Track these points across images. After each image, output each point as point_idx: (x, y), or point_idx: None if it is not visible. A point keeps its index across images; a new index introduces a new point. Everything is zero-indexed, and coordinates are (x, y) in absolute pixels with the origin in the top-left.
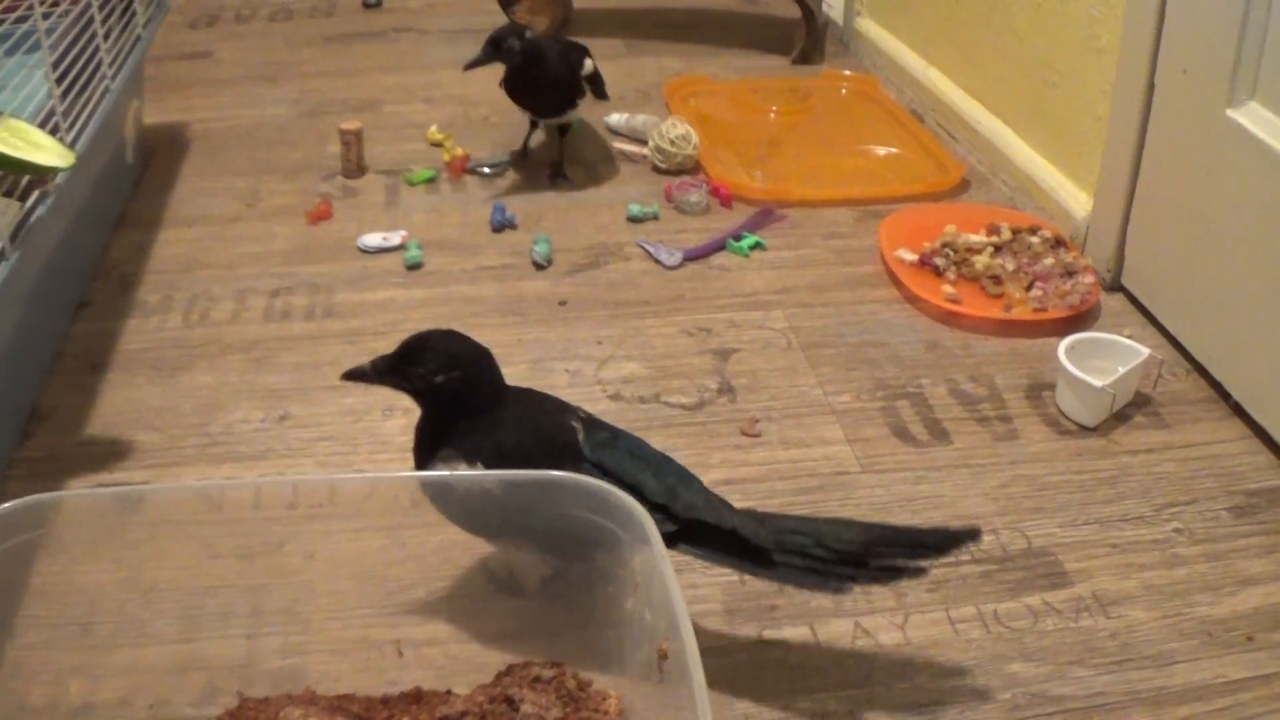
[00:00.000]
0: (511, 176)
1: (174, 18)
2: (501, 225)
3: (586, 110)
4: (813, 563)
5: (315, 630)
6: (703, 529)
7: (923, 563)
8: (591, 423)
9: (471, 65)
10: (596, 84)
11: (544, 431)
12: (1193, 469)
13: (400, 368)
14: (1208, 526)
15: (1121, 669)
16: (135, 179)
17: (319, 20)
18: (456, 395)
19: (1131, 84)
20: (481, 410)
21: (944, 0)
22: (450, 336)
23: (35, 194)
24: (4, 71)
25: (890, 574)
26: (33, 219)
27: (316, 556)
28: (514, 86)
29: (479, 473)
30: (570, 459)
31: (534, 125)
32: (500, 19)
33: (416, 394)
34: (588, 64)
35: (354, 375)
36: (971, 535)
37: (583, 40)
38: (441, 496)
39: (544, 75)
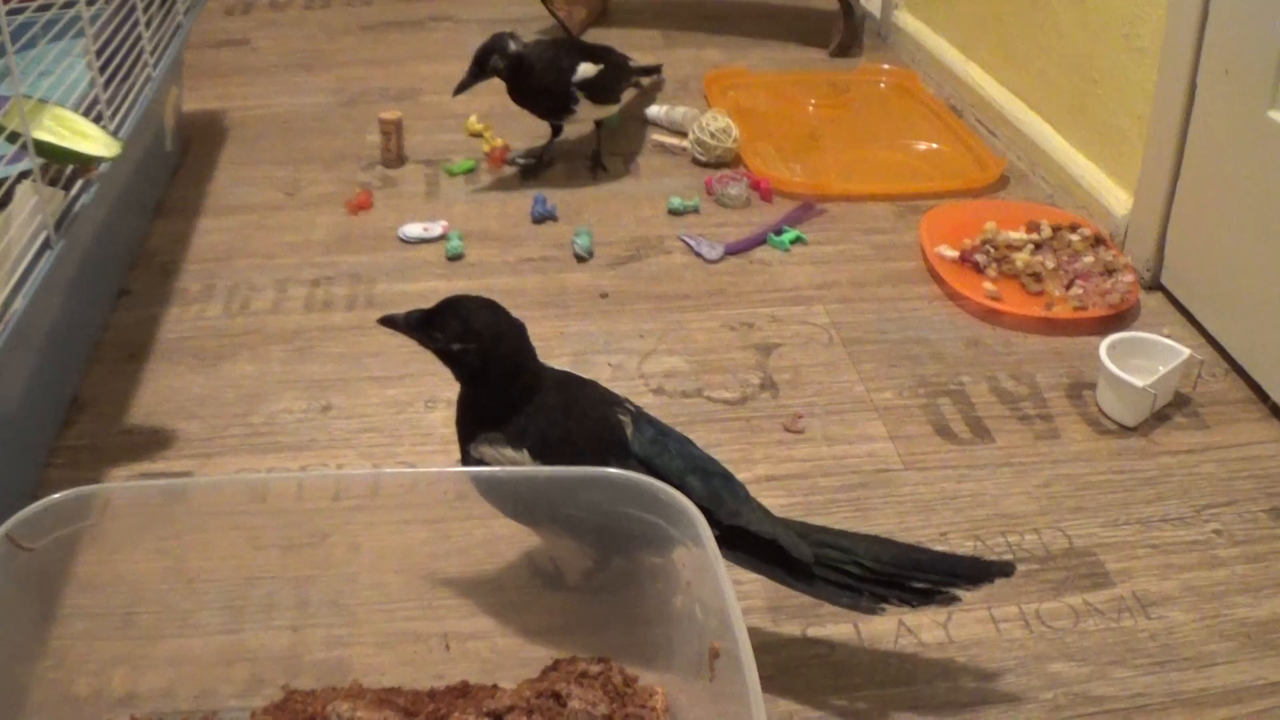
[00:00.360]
0: (552, 168)
1: (210, 4)
2: (542, 217)
3: (626, 103)
4: (848, 579)
5: (360, 623)
6: (744, 536)
7: (955, 590)
8: (640, 417)
9: (460, 89)
10: (595, 90)
11: (591, 423)
12: (1232, 470)
13: (425, 326)
14: (1247, 528)
15: (1162, 670)
16: (174, 166)
17: (356, 8)
18: (476, 368)
19: (1173, 83)
20: (516, 389)
21: None
22: (481, 308)
23: (79, 183)
24: (47, 58)
25: (923, 597)
26: (76, 207)
27: (361, 548)
28: (514, 90)
29: (530, 468)
30: (617, 453)
31: (555, 132)
32: (537, 8)
33: (444, 360)
34: (583, 69)
35: (387, 320)
36: (1005, 570)
37: (620, 31)
38: (490, 486)
39: (533, 85)
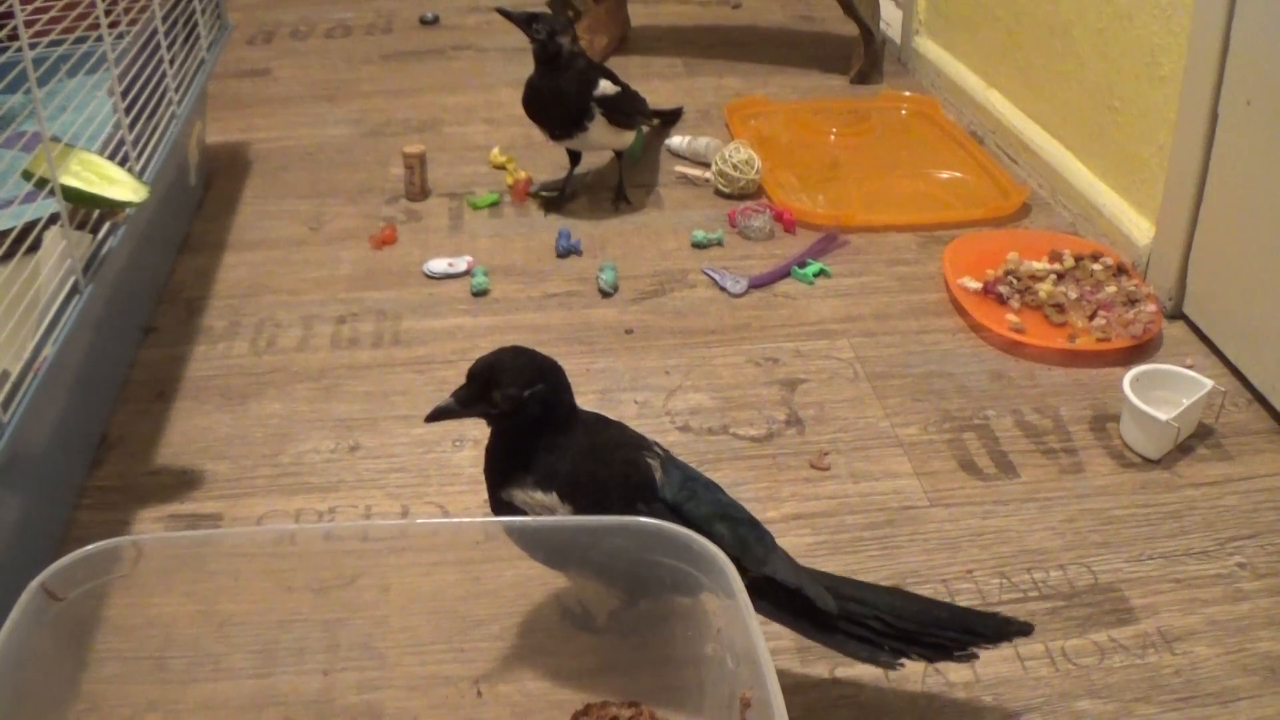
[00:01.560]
0: (575, 200)
1: (231, 34)
2: (567, 251)
3: (648, 134)
4: (869, 633)
5: (391, 666)
6: (770, 585)
7: (974, 648)
8: (669, 461)
9: (503, 11)
10: (611, 110)
11: (620, 465)
12: (1255, 502)
13: (484, 393)
14: (1270, 561)
15: (1187, 706)
16: (198, 201)
17: (377, 37)
18: (537, 414)
19: (1194, 113)
20: (557, 430)
21: (1004, 22)
22: (520, 353)
23: (106, 226)
24: (66, 93)
25: (942, 653)
26: (104, 251)
27: (391, 590)
28: (529, 98)
29: (560, 518)
30: (645, 497)
31: (574, 162)
32: None
33: (502, 416)
34: (604, 85)
35: (440, 414)
36: (1023, 629)
37: (641, 59)
38: (521, 535)
39: (556, 84)
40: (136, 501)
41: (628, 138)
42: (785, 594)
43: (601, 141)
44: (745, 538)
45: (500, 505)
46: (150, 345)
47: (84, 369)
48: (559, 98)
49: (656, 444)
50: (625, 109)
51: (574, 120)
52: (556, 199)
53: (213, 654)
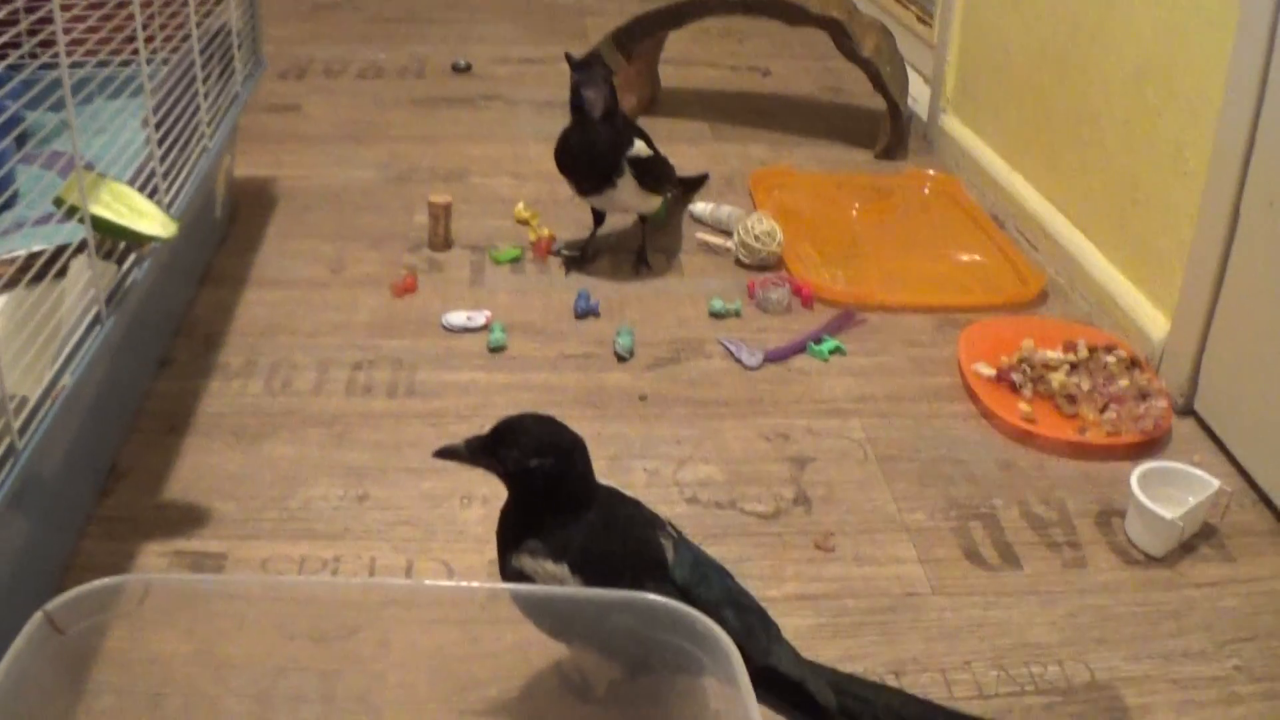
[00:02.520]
0: (596, 261)
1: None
2: (585, 312)
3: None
4: None
5: None
6: (772, 676)
7: None
8: (682, 543)
9: (571, 60)
10: (643, 171)
11: (633, 543)
12: (1255, 604)
13: (494, 449)
14: (1267, 664)
15: None
16: (222, 235)
17: (409, 81)
18: (548, 483)
19: (1217, 210)
20: (571, 503)
21: (1032, 107)
22: (545, 422)
23: (132, 257)
24: (103, 115)
25: None
26: (128, 282)
27: (391, 645)
28: (563, 149)
29: (569, 589)
30: (655, 577)
31: (597, 222)
32: None
33: (508, 477)
34: (638, 145)
35: (447, 453)
36: None
37: (668, 121)
38: (528, 604)
39: (592, 137)
40: (142, 534)
41: (654, 202)
42: (787, 686)
43: (628, 203)
44: (752, 626)
45: (510, 570)
46: (165, 377)
47: (99, 398)
48: (592, 151)
49: (670, 524)
50: (655, 173)
51: (604, 176)
52: (578, 259)
53: (209, 695)
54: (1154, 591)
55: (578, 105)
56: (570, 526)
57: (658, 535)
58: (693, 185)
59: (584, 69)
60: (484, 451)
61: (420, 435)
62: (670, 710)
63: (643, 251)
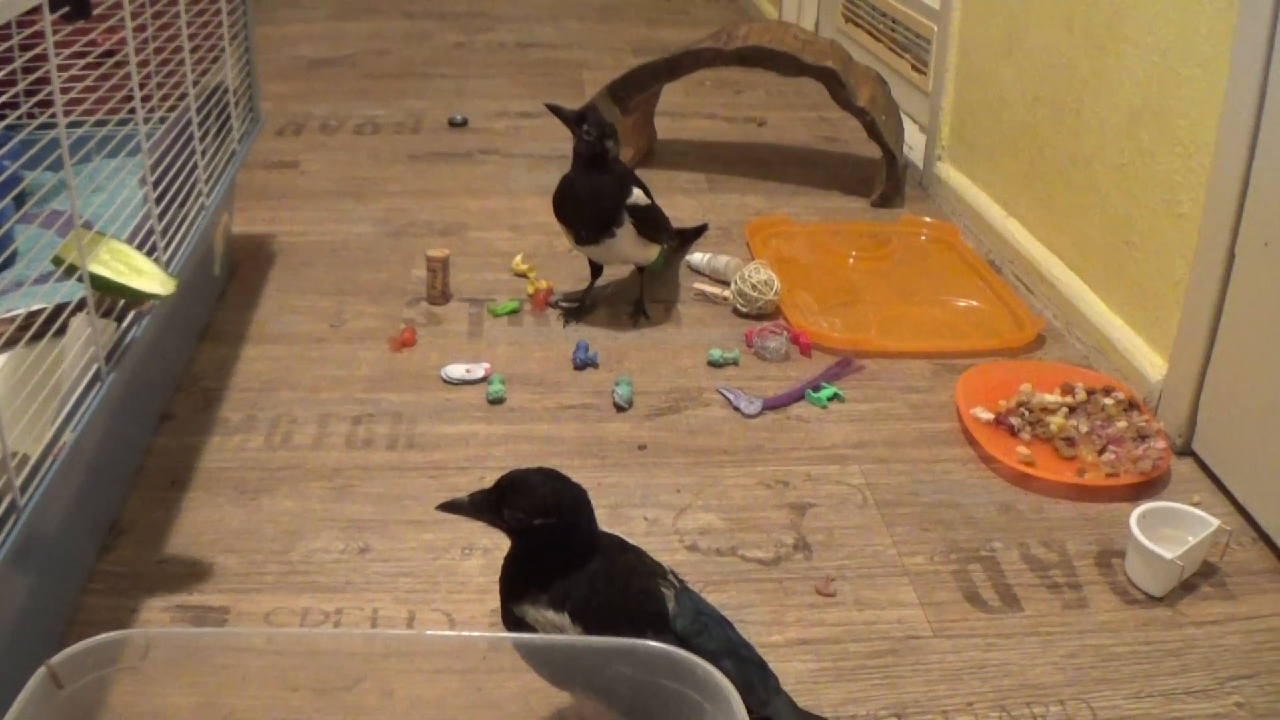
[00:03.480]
0: (594, 312)
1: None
2: (584, 363)
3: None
4: None
5: None
6: None
7: None
8: (684, 593)
9: (552, 106)
10: (642, 220)
11: (634, 593)
12: (1256, 642)
13: (498, 505)
14: (1268, 701)
15: None
16: (221, 291)
17: (405, 136)
18: (551, 540)
19: (1212, 252)
20: (574, 555)
21: (1026, 153)
22: (550, 479)
23: (131, 315)
24: (101, 174)
25: None
26: (128, 339)
27: (394, 695)
28: (562, 197)
29: (570, 637)
30: (656, 626)
31: (595, 274)
32: None
33: (511, 533)
34: (637, 194)
35: (450, 507)
36: None
37: (665, 172)
38: (529, 652)
39: (592, 185)
40: (145, 590)
41: (652, 252)
42: None
43: (627, 253)
44: (751, 678)
45: (511, 619)
46: (166, 433)
47: (100, 454)
48: (593, 200)
49: (673, 574)
50: (654, 222)
51: (604, 225)
52: (576, 310)
53: None
54: (1155, 630)
55: (589, 153)
56: (571, 576)
57: (659, 585)
58: (691, 236)
59: (583, 118)
60: (488, 507)
61: (421, 487)
62: None
63: (640, 302)
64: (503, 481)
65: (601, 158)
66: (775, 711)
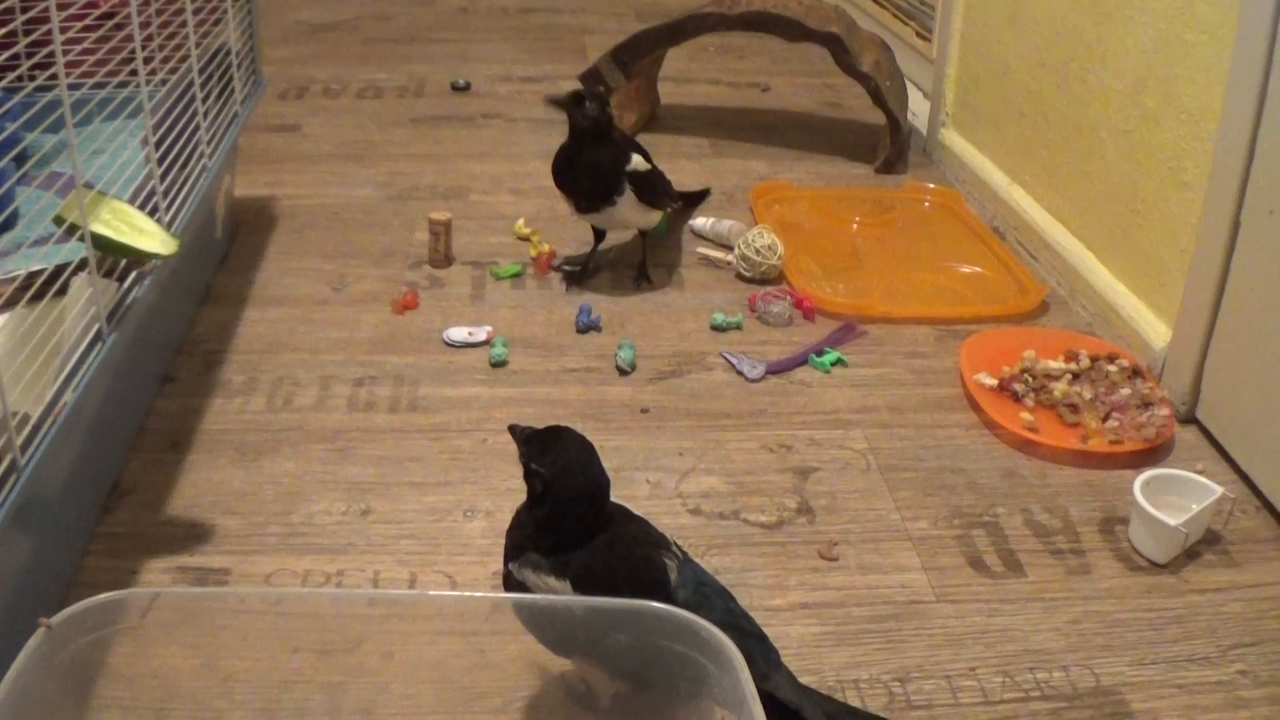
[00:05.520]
0: (596, 276)
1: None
2: (587, 327)
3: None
4: None
5: None
6: (769, 702)
7: None
8: (686, 564)
9: (551, 100)
10: (643, 186)
11: (636, 563)
12: (1260, 609)
13: (531, 450)
14: (1271, 669)
15: None
16: (223, 254)
17: (408, 100)
18: (558, 507)
19: (1217, 220)
20: (582, 530)
21: (1031, 119)
22: (574, 446)
23: (132, 275)
24: (101, 136)
25: None
26: (129, 300)
27: (395, 657)
28: (561, 168)
29: (570, 597)
30: (657, 597)
31: (598, 239)
32: None
33: (526, 479)
34: (636, 160)
35: (512, 429)
36: None
37: (669, 137)
38: (529, 614)
39: (591, 155)
40: (146, 551)
41: (655, 217)
42: (784, 712)
43: (629, 219)
44: (751, 650)
45: (512, 581)
46: (167, 395)
47: (101, 415)
48: (593, 170)
49: (676, 545)
50: (655, 187)
51: (604, 194)
52: (578, 274)
53: (214, 710)
54: (1158, 597)
55: (583, 125)
56: (576, 545)
57: (661, 555)
58: (694, 200)
59: (581, 98)
60: (525, 442)
61: (423, 450)
62: (675, 717)
63: (643, 266)
64: (546, 432)
65: (602, 127)
66: (775, 686)
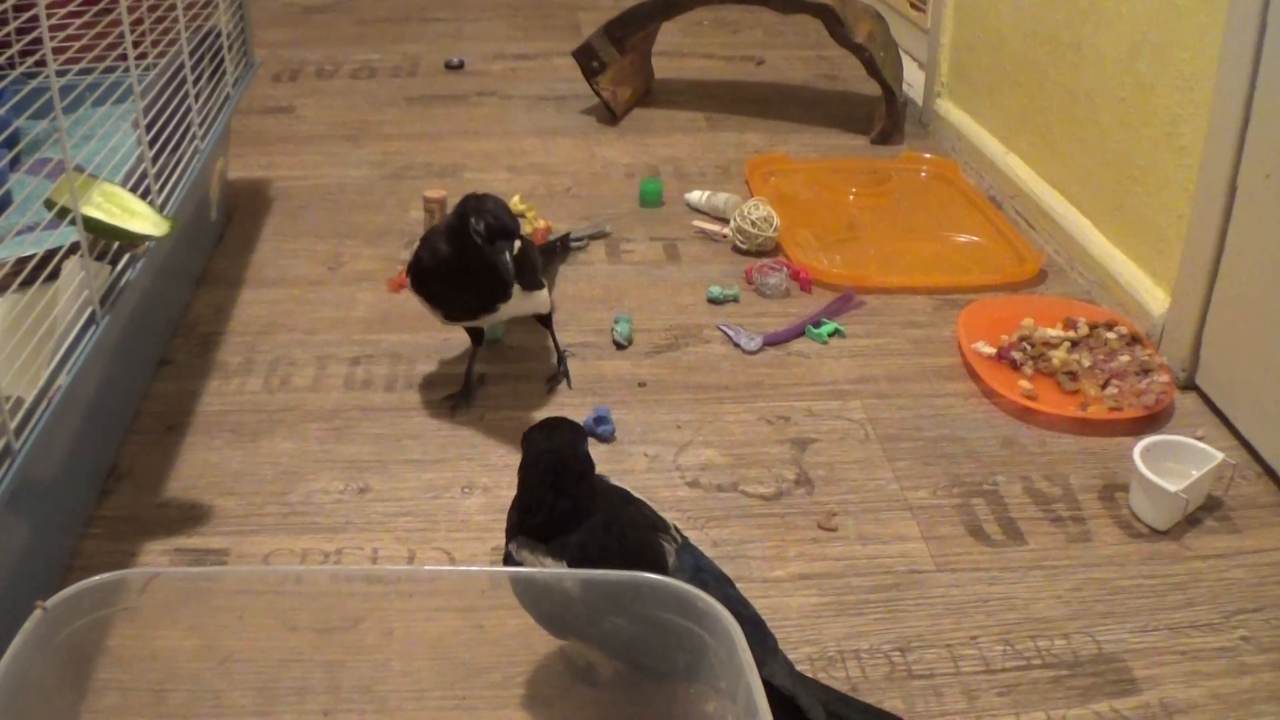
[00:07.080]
0: (592, 249)
1: (257, 71)
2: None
3: (668, 188)
4: None
5: (392, 710)
6: (765, 688)
7: None
8: (685, 548)
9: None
10: (522, 268)
11: (632, 546)
12: (1261, 575)
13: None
14: (1274, 635)
15: None
16: (218, 236)
17: (402, 80)
18: (552, 480)
19: (1213, 185)
20: (555, 505)
21: (1026, 88)
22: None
23: (125, 258)
24: (91, 121)
25: None
26: (122, 283)
27: (394, 634)
28: (430, 275)
29: (567, 570)
30: None
31: (476, 343)
32: (581, 87)
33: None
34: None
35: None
36: None
37: (664, 112)
38: (527, 589)
39: (473, 266)
40: (144, 533)
41: (543, 296)
42: (779, 699)
43: (515, 313)
44: (748, 636)
45: (511, 561)
46: (164, 378)
47: (97, 399)
48: (476, 286)
49: (675, 528)
50: (533, 262)
51: (488, 303)
52: (463, 394)
53: (213, 690)
54: (1160, 564)
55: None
56: (571, 526)
57: (659, 538)
58: (560, 251)
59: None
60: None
61: (420, 428)
62: (675, 690)
63: (561, 358)
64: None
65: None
66: (771, 673)
